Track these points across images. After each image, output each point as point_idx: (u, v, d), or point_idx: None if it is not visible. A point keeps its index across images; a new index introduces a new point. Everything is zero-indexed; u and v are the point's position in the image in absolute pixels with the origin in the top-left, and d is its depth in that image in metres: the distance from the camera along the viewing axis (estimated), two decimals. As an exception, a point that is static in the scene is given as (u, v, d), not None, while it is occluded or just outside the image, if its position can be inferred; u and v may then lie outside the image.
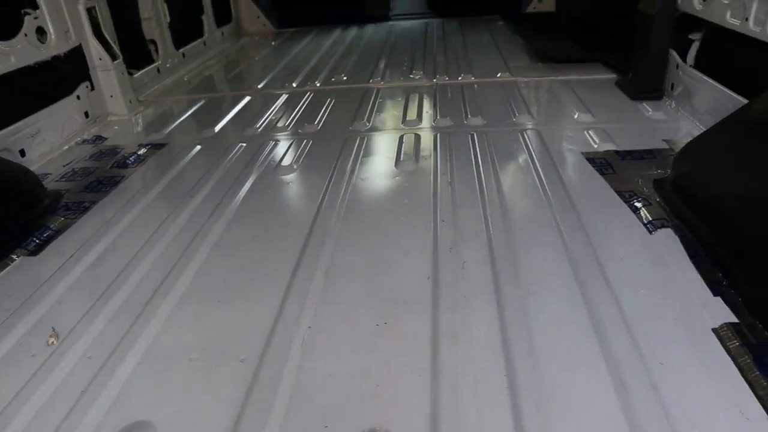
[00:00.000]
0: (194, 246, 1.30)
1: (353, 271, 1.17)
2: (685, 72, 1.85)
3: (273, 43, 3.59)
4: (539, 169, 1.53)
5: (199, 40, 3.32)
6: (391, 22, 3.92)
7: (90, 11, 2.25)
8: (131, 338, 1.03)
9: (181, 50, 3.07)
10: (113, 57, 2.32)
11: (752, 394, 0.84)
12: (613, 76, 2.28)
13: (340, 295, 1.10)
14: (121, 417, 0.87)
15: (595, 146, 1.66)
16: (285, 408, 0.86)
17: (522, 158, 1.63)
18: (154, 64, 2.80)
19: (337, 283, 1.14)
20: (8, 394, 0.93)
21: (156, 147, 1.97)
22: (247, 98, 2.43)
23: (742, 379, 0.86)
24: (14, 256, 1.34)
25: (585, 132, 1.77)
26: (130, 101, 2.41)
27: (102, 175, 1.79)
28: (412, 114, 2.03)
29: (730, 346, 0.92)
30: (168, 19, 2.93)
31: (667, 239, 1.19)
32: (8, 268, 1.30)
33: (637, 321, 0.98)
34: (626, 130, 1.76)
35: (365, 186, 1.53)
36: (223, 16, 3.74)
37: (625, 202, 1.34)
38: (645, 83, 2.03)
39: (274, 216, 1.44)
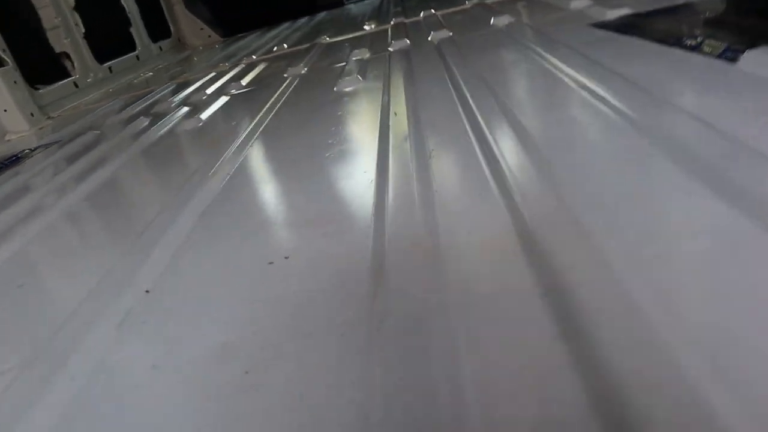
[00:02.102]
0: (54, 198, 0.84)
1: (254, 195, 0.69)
2: None
3: (217, 46, 3.18)
4: (533, 46, 1.06)
5: (131, 55, 2.92)
6: (345, 6, 3.52)
7: (-40, 12, 1.84)
8: None
9: (107, 64, 2.65)
10: (-1, 63, 1.90)
11: None
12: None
13: (216, 236, 0.62)
14: None
15: (604, 18, 1.19)
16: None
17: (506, 44, 1.16)
18: (70, 79, 2.38)
19: (218, 221, 0.66)
20: None
21: (45, 146, 1.53)
22: (172, 86, 1.99)
23: None
24: None
25: (585, 12, 1.30)
26: (32, 114, 1.99)
27: (-40, 185, 1.33)
28: (359, 49, 1.56)
29: None
30: (82, 30, 2.52)
31: (763, 58, 0.71)
32: None
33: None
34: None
35: (288, 113, 1.06)
36: (160, 30, 3.36)
37: (672, 46, 0.87)
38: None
39: (152, 174, 0.97)
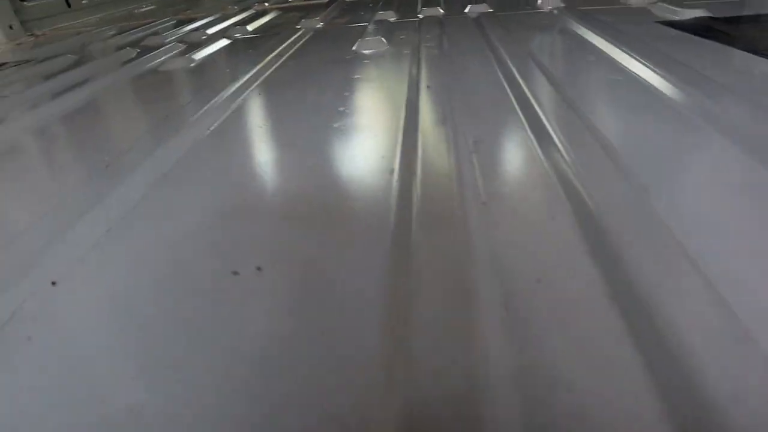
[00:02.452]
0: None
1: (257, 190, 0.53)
2: None
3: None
4: (594, 40, 0.89)
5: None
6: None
7: None
8: None
9: (107, -14, 2.43)
10: (-21, -39, 1.69)
11: None
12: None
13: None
14: None
15: (674, 17, 1.03)
16: None
17: (560, 30, 0.99)
18: (63, -6, 2.17)
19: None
20: None
21: (14, 64, 1.34)
22: (171, 22, 1.79)
23: None
24: None
25: (649, 8, 1.13)
26: (11, 27, 1.79)
27: None
28: (385, 10, 1.38)
29: None
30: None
31: None
32: None
33: None
34: (714, 1, 1.13)
35: (293, 73, 0.89)
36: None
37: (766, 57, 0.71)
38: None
39: (94, 125, 0.79)
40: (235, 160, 0.53)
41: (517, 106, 0.59)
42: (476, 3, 1.31)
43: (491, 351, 0.25)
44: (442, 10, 1.30)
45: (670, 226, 0.34)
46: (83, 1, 2.28)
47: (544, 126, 0.52)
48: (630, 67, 0.72)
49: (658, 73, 0.66)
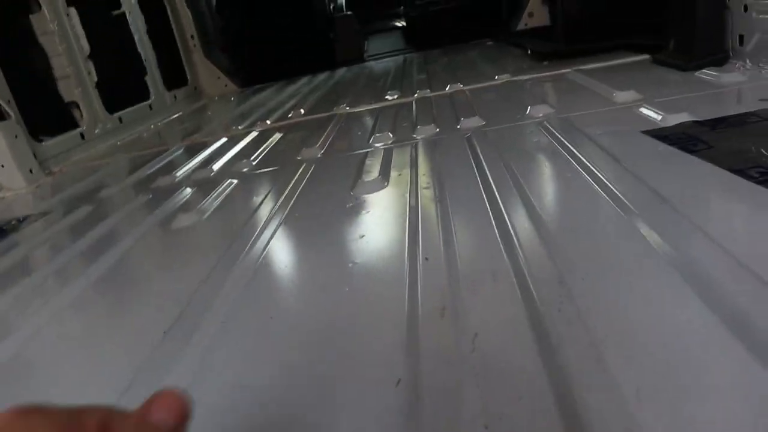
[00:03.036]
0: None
1: (246, 381, 0.55)
2: (761, 11, 1.28)
3: (232, 99, 3.10)
4: (585, 162, 0.93)
5: (144, 104, 2.83)
6: (366, 63, 3.45)
7: (-36, 64, 1.76)
8: None
9: (117, 114, 2.57)
10: (0, 117, 1.80)
11: None
12: (645, 56, 1.72)
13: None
14: None
15: (659, 120, 1.07)
16: None
17: (551, 151, 1.03)
18: (77, 130, 2.28)
19: (214, 412, 0.51)
20: None
21: (36, 217, 1.41)
22: (180, 150, 1.88)
23: None
24: None
25: (635, 110, 1.17)
26: (31, 171, 1.88)
27: (-67, 264, 1.21)
28: (382, 130, 1.44)
29: None
30: (95, 79, 2.44)
31: None
32: None
33: None
34: (696, 100, 1.17)
35: (297, 226, 0.93)
36: (177, 78, 3.29)
37: (758, 182, 0.73)
38: (697, 47, 1.45)
39: (134, 293, 0.83)
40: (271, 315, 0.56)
41: (516, 287, 0.61)
42: (468, 117, 1.36)
43: None
44: (436, 128, 1.35)
45: None
46: (96, 131, 2.39)
47: (543, 324, 0.54)
48: (607, 197, 0.74)
49: (633, 206, 0.68)
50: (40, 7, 2.20)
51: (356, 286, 0.67)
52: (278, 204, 1.03)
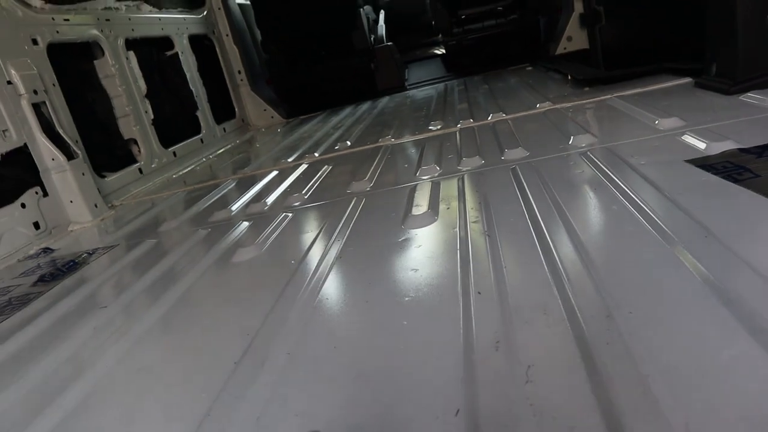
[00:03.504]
0: (75, 380, 0.77)
1: (315, 411, 0.59)
2: (807, 36, 1.28)
3: (279, 130, 3.22)
4: (629, 192, 0.95)
5: (195, 138, 2.97)
6: (407, 92, 3.52)
7: (38, 107, 1.90)
8: None
9: (171, 149, 2.70)
10: (69, 156, 1.93)
11: None
12: (688, 80, 1.72)
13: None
14: None
15: (703, 149, 1.08)
16: None
17: (595, 183, 1.06)
18: (135, 165, 2.42)
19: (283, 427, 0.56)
20: None
21: (104, 250, 1.51)
22: (232, 183, 1.97)
23: None
24: None
25: (679, 138, 1.19)
26: (96, 206, 2.00)
27: (15, 295, 1.31)
28: (428, 162, 1.49)
29: None
30: (151, 116, 2.59)
31: None
32: None
33: None
34: (741, 125, 1.18)
35: (355, 258, 0.98)
36: (225, 112, 3.44)
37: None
38: (740, 70, 1.46)
39: (208, 322, 0.89)
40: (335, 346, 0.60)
41: (572, 335, 0.64)
42: (512, 148, 1.40)
43: None
44: (482, 160, 1.39)
45: None
46: (152, 166, 2.53)
47: (595, 363, 0.57)
48: (655, 232, 0.77)
49: (677, 237, 0.71)
50: (103, 53, 2.36)
51: (413, 320, 0.71)
52: (333, 238, 1.08)
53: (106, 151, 2.33)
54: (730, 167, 0.96)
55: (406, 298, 0.77)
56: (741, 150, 1.03)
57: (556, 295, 0.67)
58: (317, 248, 1.05)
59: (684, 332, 0.56)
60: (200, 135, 3.01)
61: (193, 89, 3.08)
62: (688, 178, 0.96)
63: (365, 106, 3.27)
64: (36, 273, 1.48)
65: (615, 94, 1.78)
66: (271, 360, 0.70)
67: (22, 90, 1.84)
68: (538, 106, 1.89)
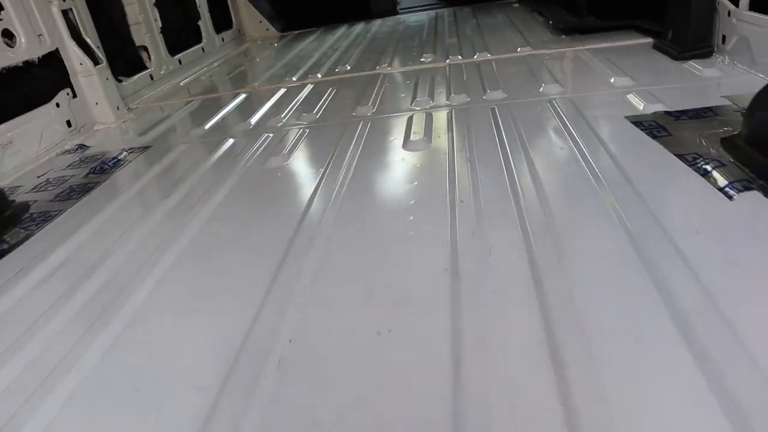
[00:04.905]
0: (161, 251, 1.07)
1: (349, 269, 0.92)
2: (739, 18, 1.57)
3: (275, 45, 3.39)
4: (577, 138, 1.27)
5: (197, 47, 3.14)
6: (399, 16, 3.69)
7: (66, 14, 2.07)
8: (64, 368, 0.80)
9: (177, 57, 2.88)
10: (95, 62, 2.13)
11: None
12: (649, 40, 2.00)
13: (332, 299, 0.85)
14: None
15: (641, 108, 1.39)
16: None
17: (554, 128, 1.37)
18: (146, 71, 2.61)
19: (329, 284, 0.89)
20: None
21: (140, 150, 1.77)
22: (243, 96, 2.21)
23: None
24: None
25: (626, 96, 1.49)
26: (118, 108, 2.22)
27: (76, 183, 1.58)
28: (422, 94, 1.77)
29: None
30: (160, 25, 2.75)
31: (755, 203, 0.91)
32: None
33: (730, 307, 0.71)
34: (675, 91, 1.48)
35: (368, 171, 1.29)
36: (223, 22, 3.57)
37: (689, 165, 1.07)
38: (690, 40, 1.75)
39: (257, 213, 1.20)
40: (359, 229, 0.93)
41: (517, 216, 0.97)
42: (494, 90, 1.69)
43: None
44: (468, 98, 1.68)
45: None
46: (161, 72, 2.72)
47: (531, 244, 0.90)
48: (584, 164, 1.09)
49: (599, 172, 1.04)
50: (120, -38, 2.49)
51: (415, 217, 1.03)
52: (348, 154, 1.38)
53: (120, 57, 2.50)
54: (653, 126, 1.28)
55: (411, 202, 1.08)
56: (666, 113, 1.34)
57: (513, 205, 1.00)
58: (337, 161, 1.35)
59: (588, 229, 0.89)
60: (201, 44, 3.18)
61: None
62: (621, 132, 1.28)
63: (358, 28, 3.44)
64: (82, 166, 1.73)
65: (586, 46, 2.05)
66: (316, 239, 1.01)
67: (53, -5, 2.01)
68: (519, 50, 2.16)
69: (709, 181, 1.01)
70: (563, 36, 2.31)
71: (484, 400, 0.63)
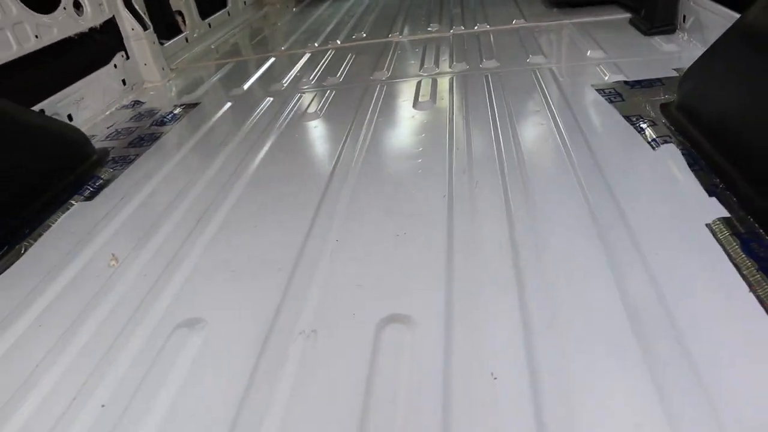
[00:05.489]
0: (230, 184, 1.43)
1: (375, 193, 1.28)
2: (696, 2, 1.88)
3: (294, 10, 3.67)
4: (551, 102, 1.60)
5: (223, 10, 3.43)
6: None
7: (120, -16, 2.38)
8: (179, 259, 1.17)
9: (207, 20, 3.19)
10: (144, 27, 2.44)
11: (737, 274, 0.92)
12: (627, 15, 2.31)
13: (364, 213, 1.21)
14: (177, 316, 1.01)
15: (606, 78, 1.72)
16: (316, 304, 0.98)
17: (534, 93, 1.70)
18: (183, 34, 2.93)
19: (361, 206, 1.25)
20: (80, 306, 1.07)
21: (190, 106, 2.10)
22: (272, 59, 2.53)
23: (730, 263, 0.95)
24: (72, 201, 1.49)
25: (596, 67, 1.82)
26: (162, 68, 2.55)
27: (143, 133, 1.93)
28: (429, 62, 2.10)
29: (721, 237, 1.00)
30: (193, -10, 3.04)
31: (669, 152, 1.26)
32: (68, 211, 1.45)
33: (637, 222, 1.06)
34: (637, 63, 1.81)
35: (385, 125, 1.63)
36: (245, -14, 3.84)
37: (632, 124, 1.41)
38: (657, 18, 2.06)
39: (302, 155, 1.55)
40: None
41: (497, 160, 1.32)
42: (489, 59, 2.01)
43: None
44: (467, 66, 2.00)
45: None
46: (194, 35, 3.03)
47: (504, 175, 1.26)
48: (553, 126, 1.44)
49: (564, 132, 1.38)
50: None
51: (423, 158, 1.38)
52: (369, 112, 1.72)
53: (161, 22, 2.81)
54: (612, 93, 1.61)
55: (419, 149, 1.44)
56: (625, 82, 1.68)
57: (495, 152, 1.35)
58: (359, 117, 1.69)
59: (548, 168, 1.25)
60: (227, 8, 3.47)
61: (222, -35, 3.48)
62: (586, 97, 1.61)
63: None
64: (143, 119, 2.07)
65: (572, 20, 2.36)
66: (350, 175, 1.36)
67: (110, -31, 2.31)
68: (513, 22, 2.47)
69: (642, 136, 1.35)
70: (554, 9, 2.60)
71: (469, 285, 0.98)
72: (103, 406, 0.86)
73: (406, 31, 2.64)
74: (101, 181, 1.61)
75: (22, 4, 1.84)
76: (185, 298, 1.06)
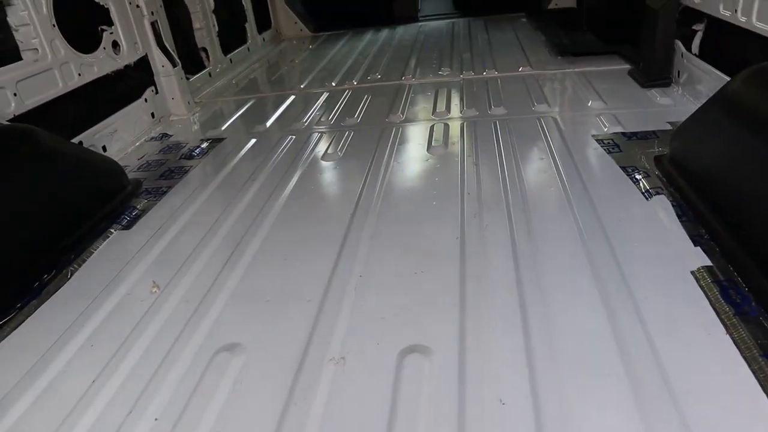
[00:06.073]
0: (259, 220, 1.56)
1: (394, 234, 1.41)
2: (689, 60, 2.03)
3: (310, 47, 3.86)
4: (553, 150, 1.75)
5: (244, 46, 3.62)
6: (419, 23, 4.15)
7: (153, 25, 2.54)
8: (217, 287, 1.29)
9: (229, 56, 3.37)
10: (173, 64, 2.61)
11: (717, 317, 1.05)
12: (627, 66, 2.47)
13: (384, 253, 1.34)
14: (218, 341, 1.13)
15: (605, 129, 1.87)
16: (344, 333, 1.11)
17: (538, 141, 1.85)
18: (206, 69, 3.10)
19: (381, 244, 1.38)
20: (128, 329, 1.20)
21: (216, 141, 2.25)
22: (292, 97, 2.69)
23: (711, 307, 1.07)
24: (112, 230, 1.62)
25: (597, 117, 1.97)
26: (188, 102, 2.71)
27: (172, 166, 2.07)
28: (441, 106, 2.26)
29: (703, 284, 1.13)
30: (217, 29, 3.22)
31: (661, 203, 1.40)
32: (108, 239, 1.58)
33: (629, 266, 1.19)
34: (635, 115, 1.96)
35: (401, 168, 1.77)
36: (264, 23, 4.04)
37: (628, 175, 1.55)
38: (654, 72, 2.21)
39: (324, 195, 1.69)
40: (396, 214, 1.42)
41: (504, 203, 1.46)
42: (497, 105, 2.17)
43: None
44: (477, 112, 2.16)
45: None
46: (217, 70, 3.20)
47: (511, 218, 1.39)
48: (555, 174, 1.58)
49: (566, 181, 1.52)
50: (189, -23, 2.96)
51: (438, 202, 1.52)
52: (386, 154, 1.87)
53: (187, 58, 2.98)
54: (611, 144, 1.75)
55: (434, 192, 1.58)
56: (622, 133, 1.82)
57: (503, 196, 1.49)
58: (378, 158, 1.84)
59: (550, 211, 1.38)
60: (247, 44, 3.66)
61: (243, 4, 3.67)
62: (586, 147, 1.76)
63: (384, 34, 3.90)
64: (172, 152, 2.22)
65: (575, 69, 2.53)
66: (369, 217, 1.50)
67: (145, 12, 2.48)
68: (520, 69, 2.63)
69: (637, 186, 1.49)
70: (558, 57, 2.77)
71: (480, 319, 1.10)
72: (156, 419, 0.97)
73: (418, 73, 2.81)
74: (137, 211, 1.74)
75: (69, 46, 2.00)
76: (225, 324, 1.18)
